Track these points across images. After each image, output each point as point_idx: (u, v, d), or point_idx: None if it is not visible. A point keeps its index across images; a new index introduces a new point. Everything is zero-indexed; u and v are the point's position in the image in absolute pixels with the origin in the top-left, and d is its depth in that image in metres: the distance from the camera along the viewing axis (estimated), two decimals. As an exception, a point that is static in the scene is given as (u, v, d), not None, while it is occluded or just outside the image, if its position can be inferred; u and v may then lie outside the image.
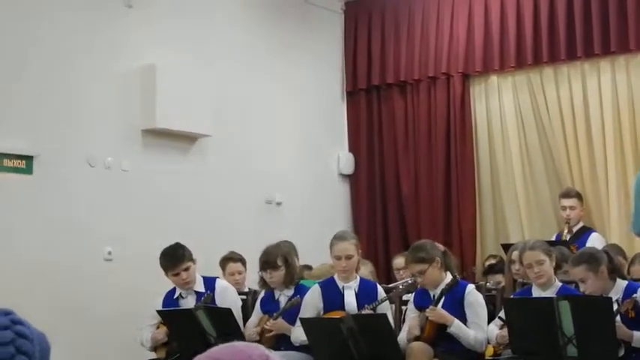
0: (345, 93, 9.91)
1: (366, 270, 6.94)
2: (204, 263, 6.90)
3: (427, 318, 5.67)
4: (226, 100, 8.41)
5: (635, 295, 5.24)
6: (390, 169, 9.56)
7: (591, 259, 5.46)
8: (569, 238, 7.72)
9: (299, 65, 9.32)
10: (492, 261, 8.05)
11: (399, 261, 7.71)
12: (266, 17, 9.01)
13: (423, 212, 9.30)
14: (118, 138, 7.61)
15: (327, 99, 9.70)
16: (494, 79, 9.09)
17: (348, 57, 9.86)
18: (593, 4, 8.28)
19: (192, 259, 6.41)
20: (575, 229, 7.84)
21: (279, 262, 6.24)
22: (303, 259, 7.41)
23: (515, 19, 8.72)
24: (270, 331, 6.17)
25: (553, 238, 7.71)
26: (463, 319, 5.66)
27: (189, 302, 6.39)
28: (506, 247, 7.08)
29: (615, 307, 5.21)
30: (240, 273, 7.24)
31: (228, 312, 6.05)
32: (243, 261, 7.21)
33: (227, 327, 5.99)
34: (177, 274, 6.37)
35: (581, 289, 5.47)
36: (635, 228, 4.94)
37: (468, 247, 9.00)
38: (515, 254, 6.22)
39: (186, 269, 6.37)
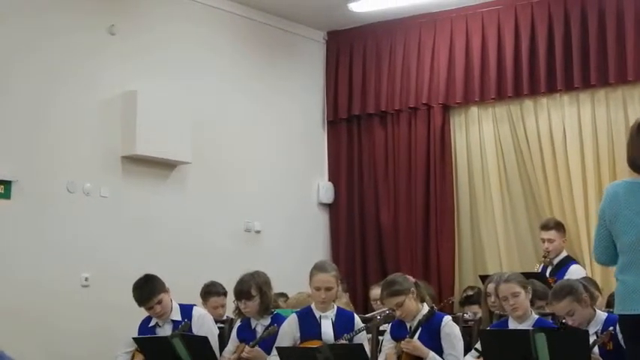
0: (326, 122, 9.93)
1: (342, 303, 6.92)
2: (182, 290, 6.87)
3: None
4: (206, 127, 8.42)
5: (611, 328, 5.25)
6: (370, 198, 9.58)
7: (573, 289, 5.50)
8: (551, 270, 7.68)
9: (280, 94, 9.34)
10: (470, 292, 8.02)
11: (376, 292, 7.64)
12: (248, 46, 9.03)
13: (401, 242, 9.31)
14: (97, 164, 7.59)
15: (307, 128, 9.72)
16: (474, 110, 9.12)
17: (329, 86, 9.90)
18: (573, 38, 8.34)
19: (164, 290, 6.35)
20: (556, 261, 7.75)
21: (254, 292, 6.19)
22: (281, 288, 7.40)
23: (496, 51, 8.78)
24: (247, 359, 6.13)
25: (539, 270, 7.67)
26: (440, 350, 5.63)
27: (165, 331, 6.33)
28: (484, 278, 7.02)
29: (594, 339, 5.23)
30: (223, 306, 7.21)
31: (204, 340, 6.00)
32: (226, 294, 7.13)
33: (203, 355, 5.95)
34: (150, 308, 6.34)
35: (570, 323, 5.44)
36: (595, 256, 4.93)
37: (447, 277, 9.00)
38: (490, 287, 6.21)
39: (159, 302, 6.32)
